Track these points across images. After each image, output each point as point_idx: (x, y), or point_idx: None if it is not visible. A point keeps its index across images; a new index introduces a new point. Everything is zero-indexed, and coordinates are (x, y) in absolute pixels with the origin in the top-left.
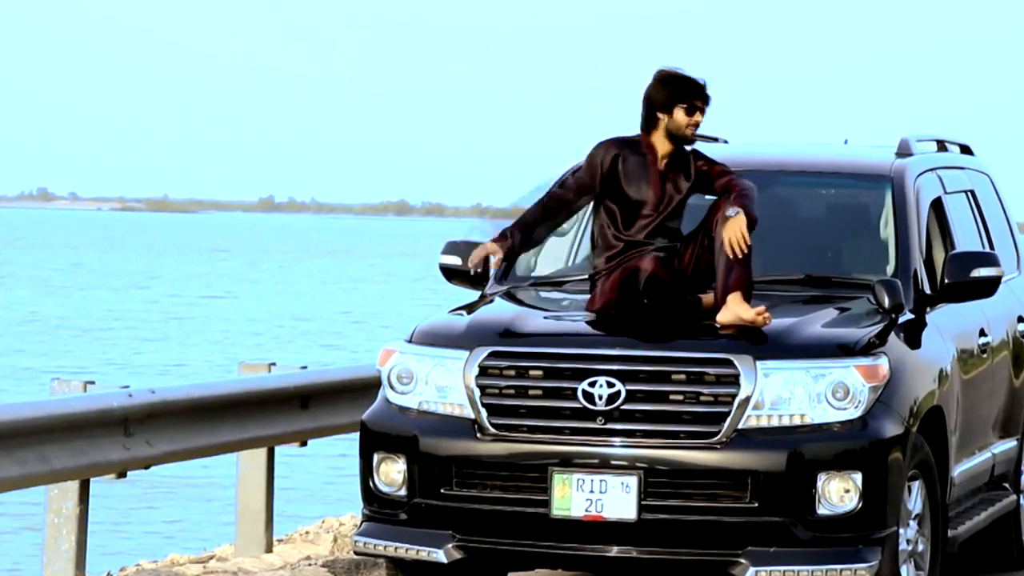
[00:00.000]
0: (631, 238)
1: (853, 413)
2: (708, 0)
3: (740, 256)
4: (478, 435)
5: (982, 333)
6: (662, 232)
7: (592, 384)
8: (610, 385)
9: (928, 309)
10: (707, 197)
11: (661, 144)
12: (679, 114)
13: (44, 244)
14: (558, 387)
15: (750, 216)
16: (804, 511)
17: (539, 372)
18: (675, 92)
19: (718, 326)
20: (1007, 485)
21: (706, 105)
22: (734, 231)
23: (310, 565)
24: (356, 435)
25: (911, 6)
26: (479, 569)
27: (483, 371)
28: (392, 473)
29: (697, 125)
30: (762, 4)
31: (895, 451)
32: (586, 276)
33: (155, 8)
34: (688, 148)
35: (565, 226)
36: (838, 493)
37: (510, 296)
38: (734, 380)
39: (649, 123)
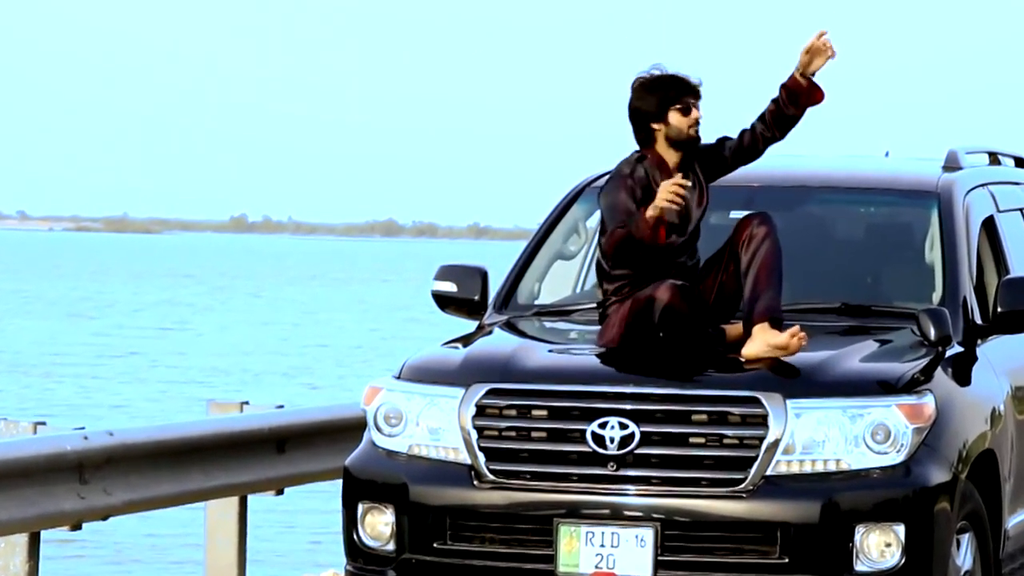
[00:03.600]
0: (652, 267)
1: (895, 458)
2: None
3: None
4: (475, 482)
5: None
6: (683, 256)
7: (602, 426)
8: (623, 427)
9: (979, 341)
10: (731, 215)
11: (669, 156)
12: (675, 118)
13: None
14: (564, 429)
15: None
16: (840, 567)
17: (543, 412)
18: (663, 95)
19: (743, 360)
20: None
21: (699, 99)
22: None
23: None
24: (338, 482)
25: (961, 4)
26: None
27: (480, 411)
28: (379, 525)
29: (697, 122)
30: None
31: (942, 500)
32: (595, 304)
33: (112, 9)
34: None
35: (572, 248)
36: (878, 547)
37: (511, 327)
38: (761, 421)
39: (646, 138)
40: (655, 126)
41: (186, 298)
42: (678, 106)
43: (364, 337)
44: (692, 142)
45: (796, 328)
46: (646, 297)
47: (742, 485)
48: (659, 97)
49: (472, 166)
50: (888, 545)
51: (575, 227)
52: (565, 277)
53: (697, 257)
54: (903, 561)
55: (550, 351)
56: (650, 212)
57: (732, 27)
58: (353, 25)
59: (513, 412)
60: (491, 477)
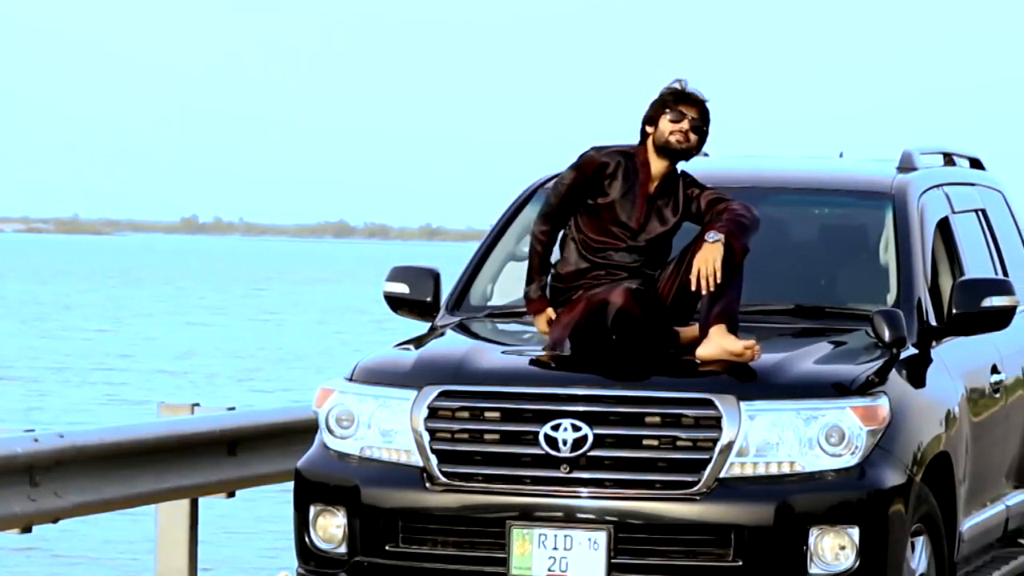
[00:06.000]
0: (598, 259)
1: (849, 460)
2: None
3: (712, 288)
4: (427, 485)
5: (994, 370)
6: (636, 259)
7: (555, 428)
8: (576, 429)
9: (934, 343)
10: None
11: (654, 162)
12: (663, 123)
13: None
14: (517, 431)
15: (738, 245)
16: (794, 570)
17: (496, 414)
18: (661, 100)
19: (698, 361)
20: (1022, 541)
21: (699, 116)
22: (706, 260)
23: None
24: (290, 485)
25: (915, 5)
26: None
27: (433, 413)
28: (331, 528)
29: (683, 134)
30: (748, 1)
31: (896, 503)
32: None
33: (61, 8)
34: (679, 169)
35: (525, 249)
36: (832, 550)
37: (463, 328)
38: (715, 423)
39: (642, 138)
40: (648, 129)
41: (135, 300)
42: (670, 113)
43: (316, 339)
44: (674, 153)
45: (752, 341)
46: (600, 300)
47: (696, 488)
48: (659, 101)
49: (424, 167)
50: (842, 548)
51: (528, 228)
52: (518, 278)
53: (660, 270)
54: (857, 564)
55: (503, 353)
56: (538, 324)
57: (714, 24)
58: (304, 27)
59: (465, 414)
60: (443, 479)
